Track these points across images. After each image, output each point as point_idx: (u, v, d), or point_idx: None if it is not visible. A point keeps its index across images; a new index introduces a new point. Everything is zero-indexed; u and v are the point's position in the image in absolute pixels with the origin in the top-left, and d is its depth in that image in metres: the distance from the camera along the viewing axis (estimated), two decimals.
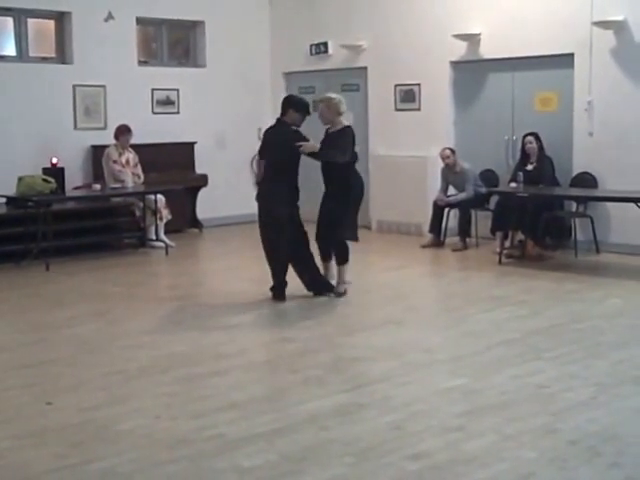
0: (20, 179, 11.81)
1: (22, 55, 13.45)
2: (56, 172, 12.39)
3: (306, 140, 9.23)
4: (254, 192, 15.19)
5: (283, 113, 9.32)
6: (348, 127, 9.35)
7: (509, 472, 4.93)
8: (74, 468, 5.04)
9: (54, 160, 12.61)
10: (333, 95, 9.49)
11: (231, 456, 5.18)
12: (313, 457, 5.17)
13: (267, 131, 9.52)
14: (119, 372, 6.95)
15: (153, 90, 14.42)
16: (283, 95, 15.48)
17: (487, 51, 12.78)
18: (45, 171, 12.36)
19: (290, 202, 9.28)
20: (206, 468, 5.04)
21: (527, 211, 11.16)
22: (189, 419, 5.83)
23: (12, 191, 11.90)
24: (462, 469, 4.96)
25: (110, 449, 5.33)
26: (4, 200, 12.07)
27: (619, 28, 11.49)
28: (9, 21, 13.38)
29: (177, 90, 14.61)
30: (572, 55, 11.89)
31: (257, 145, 15.25)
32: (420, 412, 5.92)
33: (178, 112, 14.65)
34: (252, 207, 15.11)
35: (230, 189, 15.00)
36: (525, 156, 11.79)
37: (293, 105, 9.32)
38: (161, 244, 12.70)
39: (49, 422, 5.81)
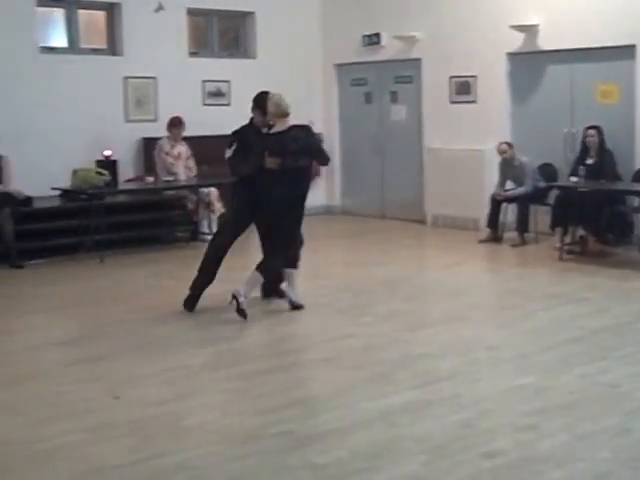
0: (75, 172, 11.78)
1: (73, 46, 13.44)
2: (109, 165, 12.36)
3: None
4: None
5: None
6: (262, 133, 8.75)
7: (585, 472, 4.85)
8: (148, 462, 5.02)
9: (107, 152, 12.58)
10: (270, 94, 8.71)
11: (302, 453, 5.10)
12: (386, 454, 5.09)
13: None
14: (181, 367, 6.89)
15: (204, 82, 14.33)
16: (335, 87, 15.58)
17: (545, 42, 12.53)
18: (98, 164, 12.33)
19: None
20: (278, 464, 4.98)
21: (588, 206, 10.94)
22: (256, 415, 5.77)
23: (64, 183, 11.89)
24: (538, 468, 4.88)
25: (181, 444, 5.29)
26: (58, 192, 12.06)
27: None
28: (60, 12, 13.38)
29: (228, 82, 14.51)
30: (634, 47, 11.64)
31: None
32: (490, 410, 5.83)
33: (229, 104, 14.54)
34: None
35: None
36: (585, 149, 11.58)
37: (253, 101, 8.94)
38: None
39: (118, 416, 5.79)
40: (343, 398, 6.09)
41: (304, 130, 8.53)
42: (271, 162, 8.28)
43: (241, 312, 8.09)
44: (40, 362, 7.13)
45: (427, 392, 6.16)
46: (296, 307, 8.61)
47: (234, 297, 8.11)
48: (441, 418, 5.66)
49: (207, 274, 8.68)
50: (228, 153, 8.73)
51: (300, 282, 8.88)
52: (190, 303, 8.61)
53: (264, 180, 8.37)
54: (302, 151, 8.37)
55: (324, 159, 8.77)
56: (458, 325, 8.07)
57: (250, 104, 8.98)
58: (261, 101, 8.73)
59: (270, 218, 8.48)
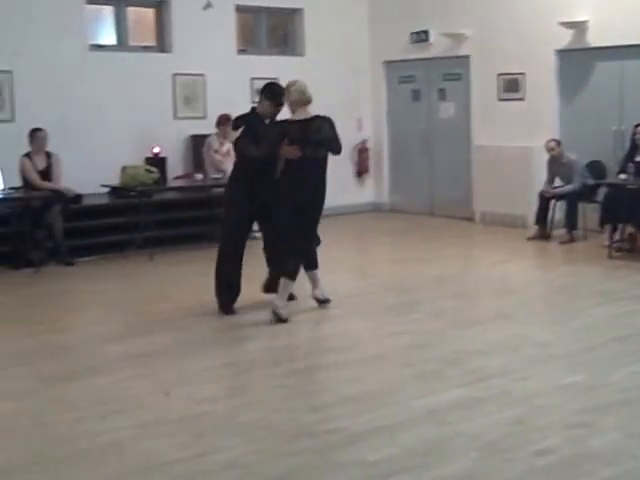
0: (123, 169, 11.85)
1: (122, 44, 13.56)
2: (158, 162, 12.44)
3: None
4: (356, 183, 15.45)
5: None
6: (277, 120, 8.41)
7: (637, 470, 4.84)
8: (199, 459, 5.05)
9: (156, 150, 12.66)
10: (292, 81, 8.39)
11: (353, 450, 5.11)
12: (437, 451, 5.09)
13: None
14: (231, 364, 6.95)
15: (252, 79, 14.33)
16: (383, 84, 15.57)
17: (595, 39, 12.44)
18: (147, 161, 12.42)
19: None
20: (329, 461, 4.99)
21: (637, 203, 10.83)
22: (307, 412, 5.79)
23: (114, 180, 11.98)
24: (589, 466, 4.85)
25: (232, 440, 5.32)
26: (107, 190, 12.15)
27: None
28: (109, 10, 13.50)
29: (276, 79, 14.44)
30: None
31: (358, 135, 15.43)
32: (541, 407, 5.81)
33: None
34: (353, 197, 15.27)
35: (331, 178, 14.90)
36: (634, 147, 11.48)
37: (263, 92, 8.60)
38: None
39: (168, 412, 5.84)
40: (393, 395, 6.10)
41: (327, 122, 8.15)
42: (290, 151, 7.99)
43: (285, 322, 8.05)
44: (91, 358, 7.19)
45: (477, 389, 6.14)
46: (324, 302, 8.57)
47: (274, 313, 8.05)
48: (491, 415, 5.64)
49: (223, 278, 8.47)
50: (234, 135, 8.35)
51: (349, 279, 8.89)
52: (222, 308, 8.50)
53: (272, 172, 8.16)
54: (322, 142, 8.10)
55: (338, 148, 8.28)
56: (507, 322, 8.04)
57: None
58: (273, 91, 8.47)
59: (284, 216, 8.16)
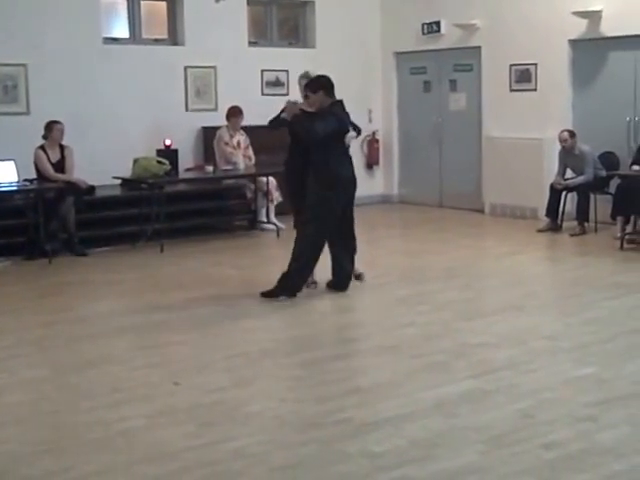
0: (135, 161, 11.88)
1: (135, 37, 13.58)
2: (170, 154, 12.48)
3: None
4: (366, 174, 15.43)
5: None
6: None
7: None
8: (207, 448, 5.07)
9: (167, 142, 12.70)
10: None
11: (361, 441, 5.13)
12: (444, 443, 5.09)
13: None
14: (241, 354, 6.94)
15: (263, 71, 14.37)
16: (394, 76, 15.56)
17: (609, 29, 12.36)
18: (159, 153, 12.46)
19: None
20: (337, 452, 5.00)
21: None
22: (315, 403, 5.80)
23: (125, 172, 12.00)
24: (597, 460, 4.83)
25: (240, 430, 5.35)
26: (119, 182, 12.17)
27: None
28: (122, 3, 13.51)
29: (287, 71, 14.53)
30: None
31: (368, 126, 15.40)
32: (549, 400, 5.79)
33: (287, 94, 14.55)
34: (363, 189, 15.17)
35: None
36: None
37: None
38: (272, 226, 12.67)
39: (178, 402, 5.86)
40: (401, 387, 6.11)
41: None
42: None
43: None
44: (104, 348, 7.22)
45: (485, 382, 6.14)
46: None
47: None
48: (499, 408, 5.64)
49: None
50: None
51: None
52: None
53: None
54: None
55: None
56: (516, 314, 8.04)
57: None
58: (327, 83, 8.89)
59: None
